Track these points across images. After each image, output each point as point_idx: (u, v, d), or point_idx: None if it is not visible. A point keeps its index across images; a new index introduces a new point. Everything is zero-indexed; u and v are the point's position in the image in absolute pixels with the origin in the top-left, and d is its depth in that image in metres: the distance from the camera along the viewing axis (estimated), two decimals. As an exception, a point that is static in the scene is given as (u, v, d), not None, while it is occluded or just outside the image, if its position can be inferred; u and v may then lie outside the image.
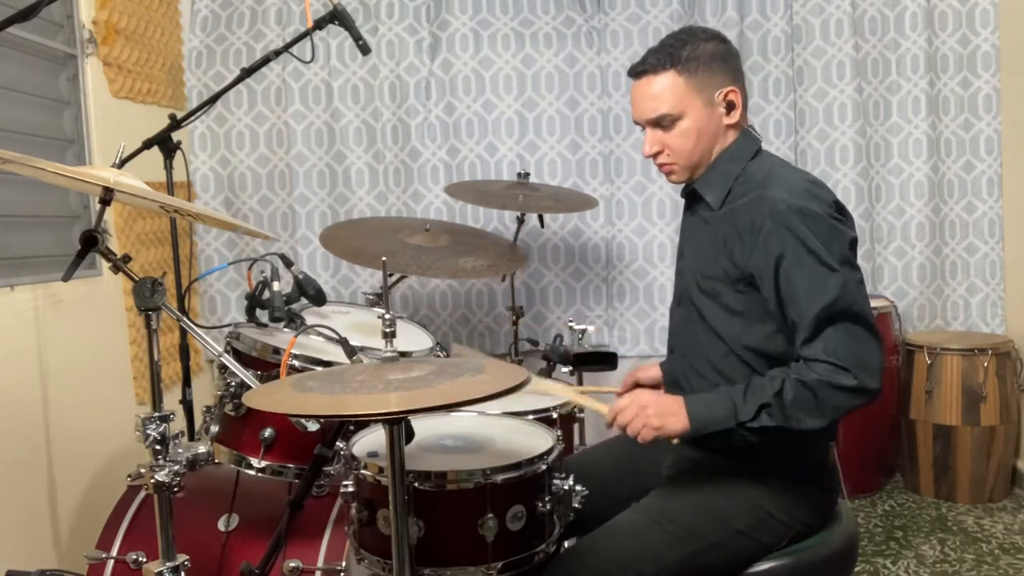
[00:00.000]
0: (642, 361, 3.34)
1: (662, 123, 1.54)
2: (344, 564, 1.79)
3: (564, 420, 1.92)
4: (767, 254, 1.45)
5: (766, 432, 1.43)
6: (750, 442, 1.45)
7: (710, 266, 1.55)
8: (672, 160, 1.57)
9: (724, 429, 1.45)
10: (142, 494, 1.95)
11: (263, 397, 1.23)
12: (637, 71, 1.57)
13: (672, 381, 1.68)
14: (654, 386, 1.76)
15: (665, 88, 1.52)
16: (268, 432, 1.70)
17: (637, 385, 1.78)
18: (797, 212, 1.43)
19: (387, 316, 1.31)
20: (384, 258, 1.39)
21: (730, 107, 1.55)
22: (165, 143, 2.29)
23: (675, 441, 1.50)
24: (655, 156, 1.58)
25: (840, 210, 1.48)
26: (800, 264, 1.42)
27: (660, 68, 1.52)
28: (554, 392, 1.72)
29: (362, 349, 1.68)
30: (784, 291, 1.44)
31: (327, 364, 1.69)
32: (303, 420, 1.53)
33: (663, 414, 1.47)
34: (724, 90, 1.54)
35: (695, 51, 1.52)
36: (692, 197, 1.65)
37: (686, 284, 1.63)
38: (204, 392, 3.12)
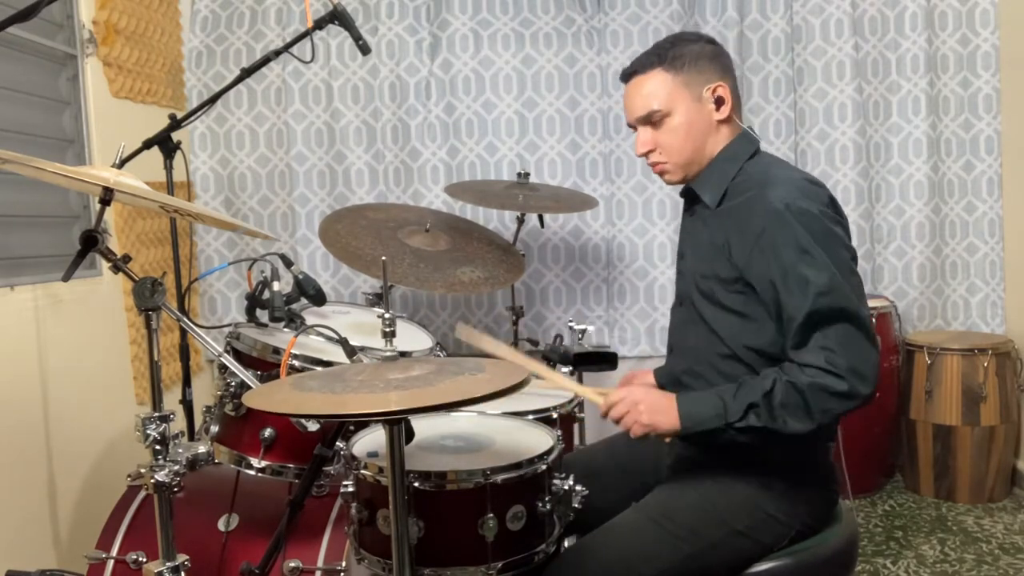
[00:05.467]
0: (642, 362, 3.35)
1: (653, 120, 1.57)
2: (344, 564, 1.78)
3: (564, 420, 1.91)
4: (764, 255, 1.45)
5: (755, 432, 1.43)
6: (740, 441, 1.45)
7: (708, 266, 1.55)
8: (664, 158, 1.60)
9: (714, 428, 1.45)
10: (142, 494, 1.95)
11: (263, 398, 1.23)
12: (627, 73, 1.62)
13: (672, 381, 1.67)
14: None
15: (654, 85, 1.56)
16: (268, 432, 1.70)
17: None
18: (795, 212, 1.43)
19: (387, 316, 1.31)
20: (384, 258, 1.39)
21: (719, 102, 1.57)
22: (165, 143, 2.29)
23: (667, 440, 1.50)
24: (647, 155, 1.61)
25: (836, 210, 1.49)
26: (796, 264, 1.42)
27: (649, 67, 1.57)
28: (553, 381, 1.70)
29: (362, 349, 1.67)
30: (781, 291, 1.44)
31: (327, 364, 1.69)
32: (303, 420, 1.53)
33: (654, 412, 1.48)
34: (712, 85, 1.56)
35: (681, 50, 1.56)
36: (690, 197, 1.66)
37: (686, 285, 1.64)
38: (204, 392, 3.13)
